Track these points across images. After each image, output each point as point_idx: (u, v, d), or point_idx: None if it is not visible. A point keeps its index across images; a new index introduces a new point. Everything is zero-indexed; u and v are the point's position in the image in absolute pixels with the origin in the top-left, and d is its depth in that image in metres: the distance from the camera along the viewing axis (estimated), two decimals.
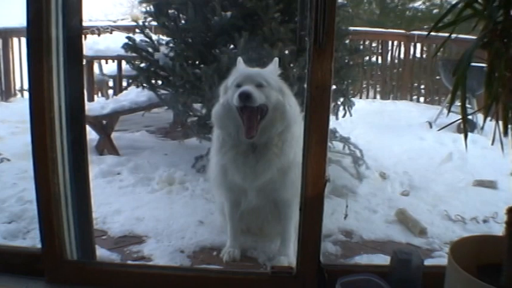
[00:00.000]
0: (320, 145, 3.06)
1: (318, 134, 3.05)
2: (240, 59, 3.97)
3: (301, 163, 3.17)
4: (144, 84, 6.47)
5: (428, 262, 3.86)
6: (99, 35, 11.19)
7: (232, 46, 5.74)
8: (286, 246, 4.05)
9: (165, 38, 6.54)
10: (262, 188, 3.94)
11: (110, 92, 10.55)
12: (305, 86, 3.09)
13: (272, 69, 3.87)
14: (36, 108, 3.22)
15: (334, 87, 5.98)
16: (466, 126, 2.50)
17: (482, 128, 6.85)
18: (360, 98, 11.81)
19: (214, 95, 4.14)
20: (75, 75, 3.45)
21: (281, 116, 3.75)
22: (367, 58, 9.33)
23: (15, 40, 10.56)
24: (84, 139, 3.62)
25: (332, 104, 6.09)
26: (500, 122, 2.38)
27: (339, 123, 6.57)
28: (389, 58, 12.52)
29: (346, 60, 6.40)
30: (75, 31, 3.40)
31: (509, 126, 2.35)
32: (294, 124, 3.83)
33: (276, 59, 3.92)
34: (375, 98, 12.28)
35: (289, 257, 3.96)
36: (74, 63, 3.44)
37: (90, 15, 16.17)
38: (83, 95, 3.63)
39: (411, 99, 12.08)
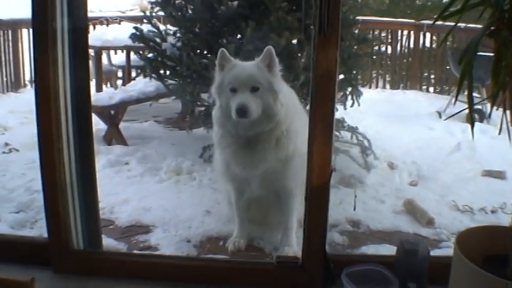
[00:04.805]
0: (325, 134, 3.05)
1: (322, 123, 3.05)
2: (223, 51, 3.89)
3: (307, 152, 3.16)
4: (152, 75, 6.47)
5: (435, 253, 3.87)
6: (107, 25, 11.18)
7: (239, 36, 5.73)
8: (288, 237, 4.08)
9: (172, 28, 6.53)
10: (264, 177, 4.01)
11: (119, 82, 10.54)
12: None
13: (261, 65, 3.78)
14: (41, 99, 3.23)
15: (341, 76, 5.96)
16: (475, 116, 2.48)
17: (489, 116, 6.81)
18: (370, 87, 11.72)
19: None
20: (81, 66, 3.46)
21: (268, 119, 3.78)
22: (376, 48, 9.29)
23: (24, 31, 10.53)
24: (90, 129, 3.63)
25: (340, 94, 6.08)
26: (508, 112, 2.36)
27: (347, 112, 6.55)
28: (398, 48, 12.44)
29: (354, 50, 6.36)
30: (80, 22, 3.41)
31: None
32: (287, 119, 3.87)
33: (270, 48, 3.80)
34: (384, 87, 12.20)
35: (293, 247, 3.99)
36: (80, 54, 3.45)
37: (100, 6, 16.13)
38: (89, 86, 3.64)
39: (421, 89, 11.99)
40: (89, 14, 3.60)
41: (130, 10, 16.43)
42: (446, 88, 11.60)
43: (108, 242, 4.03)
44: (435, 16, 2.42)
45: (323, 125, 3.05)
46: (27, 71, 10.84)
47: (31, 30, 3.32)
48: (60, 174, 3.33)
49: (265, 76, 3.75)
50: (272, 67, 3.78)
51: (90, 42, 7.89)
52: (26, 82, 10.91)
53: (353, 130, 6.27)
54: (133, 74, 9.78)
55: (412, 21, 12.22)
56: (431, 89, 12.03)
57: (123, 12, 14.25)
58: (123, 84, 9.64)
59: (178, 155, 6.19)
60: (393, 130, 7.78)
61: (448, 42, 10.86)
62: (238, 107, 3.63)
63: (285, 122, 3.85)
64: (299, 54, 5.61)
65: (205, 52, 6.08)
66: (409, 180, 5.74)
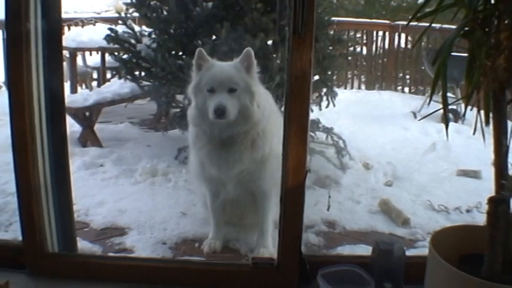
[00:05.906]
0: (300, 135, 3.05)
1: (297, 125, 3.04)
2: (201, 50, 3.85)
3: (281, 154, 3.16)
4: (127, 76, 6.45)
5: (411, 252, 3.88)
6: (82, 26, 11.12)
7: (214, 37, 5.72)
8: (264, 238, 4.06)
9: (147, 29, 6.51)
10: (239, 178, 4.00)
11: (94, 83, 10.48)
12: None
13: (239, 66, 3.78)
14: (15, 101, 3.20)
15: (316, 77, 5.97)
16: (449, 116, 2.50)
17: (464, 116, 6.86)
18: (345, 88, 11.84)
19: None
20: (55, 68, 3.43)
21: (244, 120, 3.77)
22: (351, 48, 9.32)
23: None
24: (65, 131, 3.60)
25: (315, 95, 6.09)
26: (482, 111, 2.37)
27: (323, 113, 6.56)
28: (374, 48, 12.50)
29: (329, 51, 6.37)
30: (54, 24, 3.38)
31: (490, 115, 2.35)
32: (262, 121, 3.86)
33: (249, 49, 3.80)
34: (359, 88, 12.29)
35: (269, 249, 3.98)
36: (54, 56, 3.42)
37: (75, 7, 16.04)
38: (63, 87, 3.61)
39: (396, 90, 12.07)
40: (65, 15, 3.59)
41: (106, 11, 16.38)
42: (422, 88, 11.71)
43: (83, 245, 4.01)
44: (410, 17, 2.43)
45: (298, 126, 3.05)
46: (2, 73, 10.73)
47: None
48: (34, 176, 3.30)
49: (243, 77, 3.74)
50: (250, 68, 3.77)
51: (65, 43, 7.86)
52: (1, 84, 10.81)
53: (328, 131, 6.27)
54: (109, 75, 9.74)
55: (387, 21, 12.32)
56: (406, 89, 12.13)
57: (98, 14, 14.19)
58: (99, 85, 9.59)
59: (153, 156, 6.16)
60: (368, 131, 7.83)
61: (423, 43, 10.93)
62: (216, 107, 3.61)
63: (260, 123, 3.85)
64: (274, 55, 5.60)
65: (180, 53, 6.07)
66: (384, 181, 5.76)
